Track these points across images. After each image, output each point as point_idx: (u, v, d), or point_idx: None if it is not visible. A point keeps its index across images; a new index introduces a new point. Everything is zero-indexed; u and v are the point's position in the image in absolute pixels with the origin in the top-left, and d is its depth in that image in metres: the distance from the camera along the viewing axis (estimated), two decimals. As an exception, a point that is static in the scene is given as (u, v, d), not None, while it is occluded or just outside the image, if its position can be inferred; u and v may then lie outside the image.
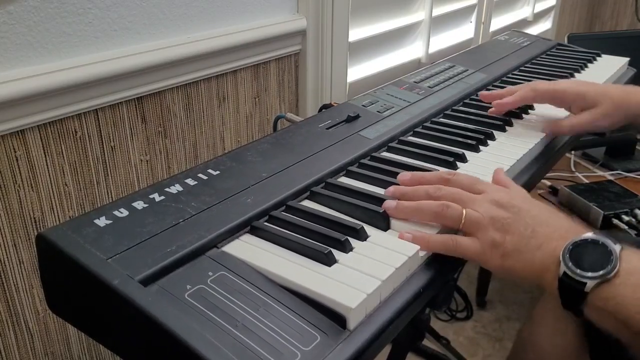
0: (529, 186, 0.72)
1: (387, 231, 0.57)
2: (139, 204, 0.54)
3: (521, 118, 0.87)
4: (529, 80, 1.01)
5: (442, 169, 0.68)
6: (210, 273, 0.48)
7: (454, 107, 0.89)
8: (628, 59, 1.21)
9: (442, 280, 0.56)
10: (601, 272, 0.50)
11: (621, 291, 0.49)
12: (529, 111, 0.90)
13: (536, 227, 0.55)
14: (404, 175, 0.64)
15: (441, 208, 0.57)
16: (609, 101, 0.81)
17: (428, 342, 1.37)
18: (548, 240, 0.54)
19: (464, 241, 0.56)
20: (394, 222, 0.58)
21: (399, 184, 0.63)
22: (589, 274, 0.50)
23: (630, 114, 0.82)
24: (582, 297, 0.51)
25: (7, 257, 0.74)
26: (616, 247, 0.51)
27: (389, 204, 0.58)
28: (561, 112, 0.87)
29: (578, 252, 0.51)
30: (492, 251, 0.55)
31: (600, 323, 0.52)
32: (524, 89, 0.85)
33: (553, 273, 0.52)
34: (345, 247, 0.52)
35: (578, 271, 0.50)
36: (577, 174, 1.65)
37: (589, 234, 0.52)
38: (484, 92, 0.90)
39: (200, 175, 0.60)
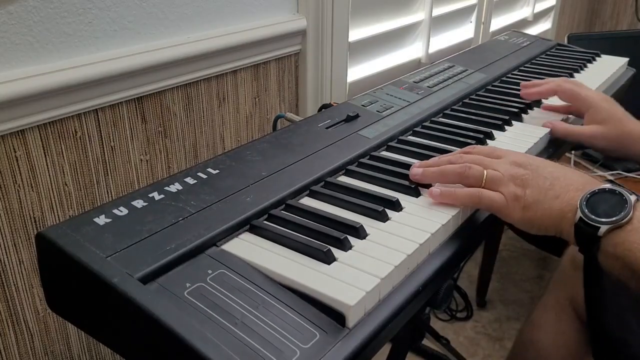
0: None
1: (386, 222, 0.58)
2: (139, 203, 0.54)
3: (521, 118, 0.87)
4: (529, 80, 1.01)
5: None
6: (209, 271, 0.48)
7: (453, 107, 0.89)
8: (627, 59, 1.21)
9: (442, 279, 0.56)
10: (614, 218, 0.53)
11: (631, 237, 0.53)
12: (528, 111, 0.90)
13: (554, 181, 0.59)
14: (431, 159, 0.68)
15: (464, 169, 0.61)
16: (617, 127, 0.80)
17: (428, 342, 1.37)
18: (565, 191, 0.58)
19: (488, 194, 0.60)
20: (422, 192, 0.62)
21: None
22: (603, 219, 0.54)
23: (630, 151, 0.80)
24: (596, 241, 0.55)
25: (7, 257, 0.74)
26: (632, 197, 0.54)
27: (415, 171, 0.64)
28: (558, 115, 0.88)
29: (595, 200, 0.55)
30: (514, 204, 0.59)
31: (611, 269, 0.55)
32: (552, 84, 0.89)
33: (570, 220, 0.56)
34: (345, 246, 0.52)
35: (593, 217, 0.54)
36: (577, 174, 1.65)
37: (607, 185, 0.56)
38: (524, 83, 0.93)
39: (199, 174, 0.60)
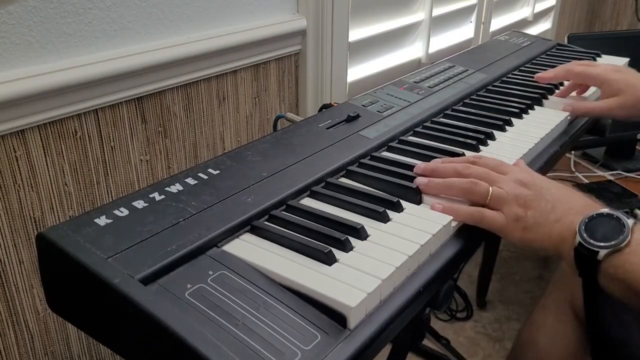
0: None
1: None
2: (139, 203, 0.54)
3: (521, 118, 0.87)
4: (529, 80, 1.01)
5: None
6: (210, 272, 0.48)
7: (454, 107, 0.89)
8: (627, 59, 1.21)
9: (443, 280, 0.56)
10: (613, 242, 0.54)
11: (630, 259, 0.53)
12: (529, 111, 0.90)
13: (555, 204, 0.59)
14: (434, 160, 0.68)
15: (470, 185, 0.61)
16: (633, 95, 0.85)
17: (428, 342, 1.37)
18: (566, 215, 0.58)
19: (489, 214, 0.60)
20: (425, 198, 0.62)
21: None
22: (602, 244, 0.54)
23: None
24: (596, 265, 0.55)
25: (7, 257, 0.73)
26: (629, 221, 0.55)
27: (421, 180, 0.63)
28: (558, 116, 0.88)
29: (593, 224, 0.56)
30: (514, 224, 0.59)
31: (612, 290, 0.56)
32: (559, 69, 0.95)
33: (569, 244, 0.57)
34: (346, 247, 0.52)
35: (592, 241, 0.55)
36: (577, 174, 1.66)
37: (605, 209, 0.57)
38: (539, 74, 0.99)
39: (200, 174, 0.60)
